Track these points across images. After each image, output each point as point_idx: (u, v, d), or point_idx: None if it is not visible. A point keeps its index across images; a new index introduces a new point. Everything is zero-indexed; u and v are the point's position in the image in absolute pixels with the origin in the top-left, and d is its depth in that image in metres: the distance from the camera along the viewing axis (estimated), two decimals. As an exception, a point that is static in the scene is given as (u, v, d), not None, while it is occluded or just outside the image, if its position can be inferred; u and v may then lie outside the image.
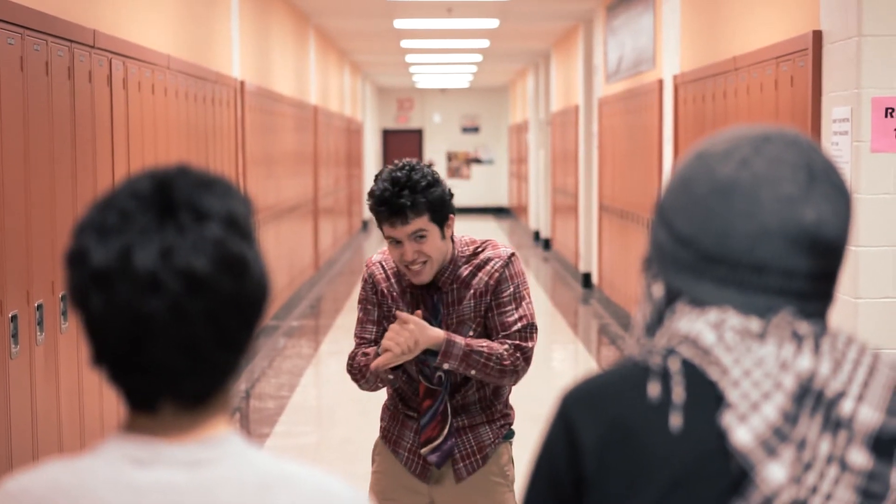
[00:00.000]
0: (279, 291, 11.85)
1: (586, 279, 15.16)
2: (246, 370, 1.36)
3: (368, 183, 27.31)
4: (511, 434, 3.73)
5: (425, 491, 3.66)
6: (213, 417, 1.39)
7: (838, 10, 5.69)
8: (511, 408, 3.75)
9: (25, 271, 4.93)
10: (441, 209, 3.54)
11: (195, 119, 8.30)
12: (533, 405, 7.87)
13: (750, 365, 1.43)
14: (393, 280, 3.68)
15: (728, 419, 1.41)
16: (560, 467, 1.48)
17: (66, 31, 5.47)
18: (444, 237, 3.56)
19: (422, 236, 3.52)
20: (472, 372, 3.49)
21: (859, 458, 1.41)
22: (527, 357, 3.56)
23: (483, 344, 3.51)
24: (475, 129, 33.22)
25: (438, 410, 3.62)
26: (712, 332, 1.45)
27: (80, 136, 5.65)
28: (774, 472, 1.39)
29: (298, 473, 1.39)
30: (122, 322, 1.32)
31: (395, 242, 3.54)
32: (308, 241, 15.15)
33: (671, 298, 1.51)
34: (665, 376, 1.46)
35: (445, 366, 3.47)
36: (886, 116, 5.43)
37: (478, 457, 3.65)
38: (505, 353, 3.52)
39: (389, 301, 3.68)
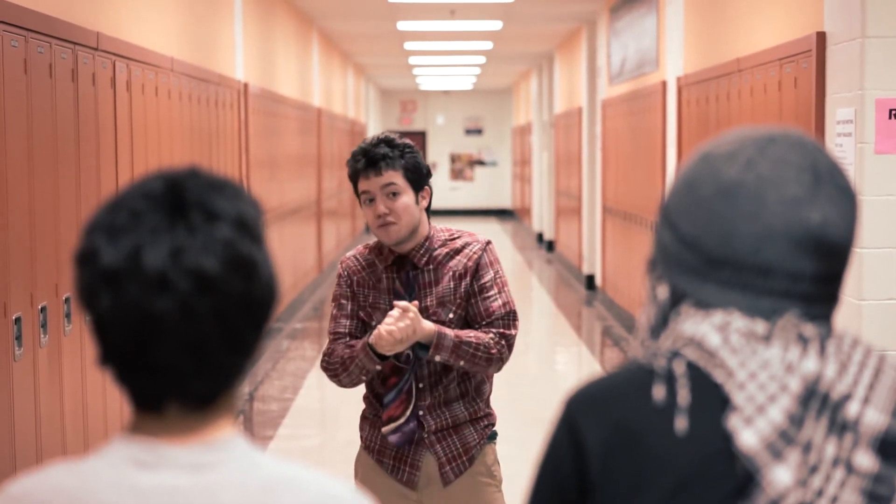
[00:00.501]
0: (283, 293, 11.84)
1: (590, 281, 15.15)
2: (250, 372, 1.36)
3: (372, 185, 27.30)
4: (494, 435, 3.73)
5: (415, 497, 3.62)
6: (219, 420, 1.39)
7: (842, 11, 5.68)
8: (491, 408, 3.75)
9: (29, 273, 4.93)
10: (416, 173, 3.62)
11: (199, 121, 8.30)
12: (536, 408, 7.87)
13: (755, 367, 1.42)
14: (368, 270, 3.70)
15: (733, 422, 1.41)
16: (564, 470, 1.48)
17: (69, 34, 5.47)
18: (417, 203, 3.62)
19: (395, 193, 3.59)
20: (462, 363, 3.52)
21: (865, 460, 1.40)
22: (510, 345, 3.60)
23: (471, 335, 3.54)
24: (478, 131, 33.22)
25: (403, 389, 3.60)
26: (717, 334, 1.44)
27: (84, 139, 5.65)
28: (780, 475, 1.39)
29: (302, 476, 1.39)
30: (131, 321, 1.33)
31: (369, 201, 3.61)
32: (311, 244, 15.15)
33: (676, 300, 1.50)
34: (670, 379, 1.45)
35: (437, 358, 3.50)
36: (890, 118, 5.43)
37: (464, 458, 3.62)
38: (491, 341, 3.55)
39: (366, 290, 3.68)
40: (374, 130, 28.75)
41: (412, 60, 22.33)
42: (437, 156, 33.26)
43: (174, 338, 1.33)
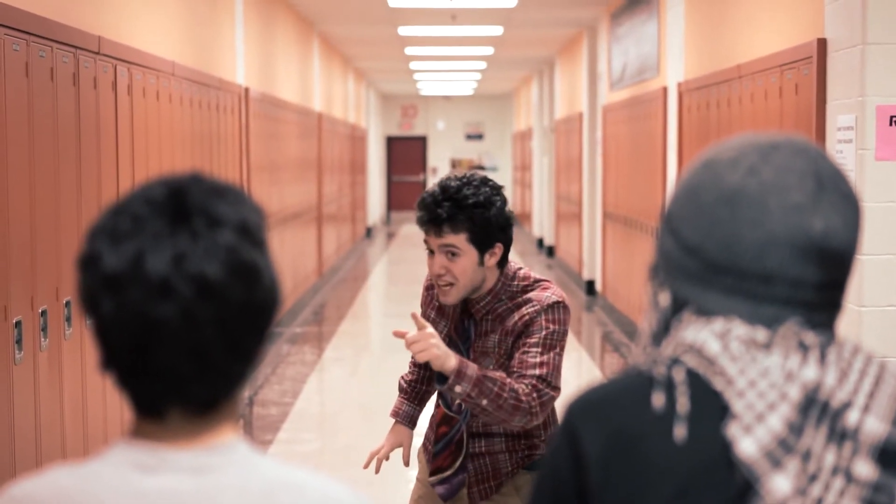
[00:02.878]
0: (283, 298, 11.83)
1: (590, 287, 15.15)
2: (252, 376, 1.36)
3: (372, 189, 27.37)
4: (540, 465, 3.55)
5: None
6: (221, 424, 1.40)
7: (843, 18, 5.69)
8: (544, 441, 3.53)
9: (30, 277, 4.93)
10: (484, 234, 3.34)
11: (199, 125, 8.30)
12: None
13: (755, 375, 1.42)
14: (435, 302, 3.60)
15: (733, 430, 1.40)
16: (564, 477, 1.48)
17: (71, 38, 5.48)
18: (481, 263, 3.36)
19: (453, 254, 3.34)
20: (484, 402, 3.20)
21: (865, 469, 1.40)
22: (543, 402, 3.28)
23: (497, 374, 3.25)
24: (479, 137, 33.23)
25: (453, 440, 3.49)
26: (717, 341, 1.44)
27: (85, 143, 5.66)
28: (779, 484, 1.39)
29: (304, 480, 1.39)
30: (133, 326, 1.33)
31: (430, 252, 3.40)
32: (312, 248, 15.15)
33: (678, 307, 1.50)
34: (670, 386, 1.45)
35: (458, 389, 3.17)
36: (891, 124, 5.43)
37: (491, 483, 3.50)
38: (521, 389, 3.25)
39: (430, 310, 3.60)
40: (374, 135, 28.76)
41: (413, 65, 22.33)
42: (437, 161, 33.26)
43: (176, 343, 1.33)
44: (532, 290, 3.42)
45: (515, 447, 3.51)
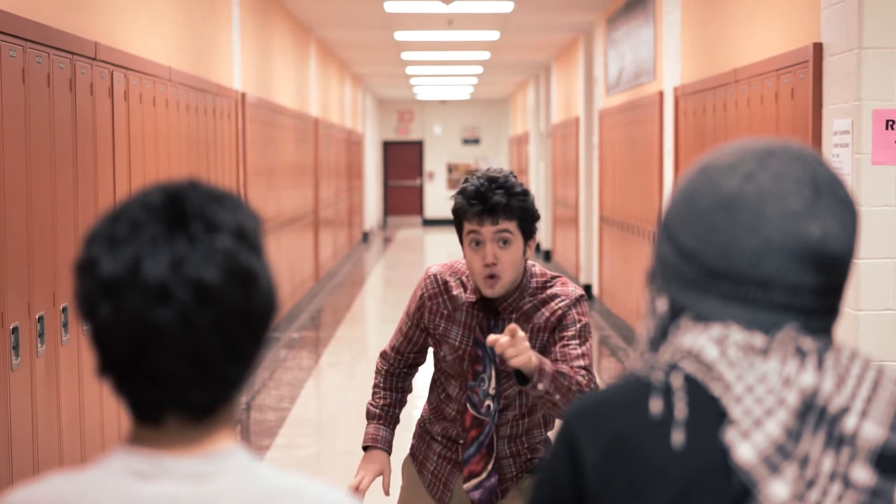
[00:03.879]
0: (280, 303, 11.83)
1: (587, 291, 15.17)
2: (249, 382, 1.35)
3: (369, 194, 27.37)
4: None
5: None
6: (218, 431, 1.39)
7: (839, 22, 5.69)
8: (544, 443, 3.57)
9: (26, 283, 4.93)
10: (529, 221, 3.42)
11: (196, 131, 8.30)
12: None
13: (753, 381, 1.42)
14: (446, 296, 3.54)
15: (730, 436, 1.40)
16: (562, 483, 1.48)
17: (67, 44, 5.48)
18: (524, 254, 3.42)
19: (506, 241, 3.37)
20: (557, 396, 3.17)
21: (862, 474, 1.40)
22: (594, 390, 3.26)
23: (564, 368, 3.25)
24: (476, 141, 33.24)
25: (484, 443, 3.47)
26: (715, 347, 1.44)
27: (82, 148, 5.66)
28: (777, 490, 1.39)
29: (302, 487, 1.39)
30: (130, 331, 1.33)
31: (475, 244, 3.39)
32: (308, 253, 15.15)
33: (675, 313, 1.50)
34: (667, 392, 1.45)
35: (540, 386, 3.13)
36: (887, 129, 5.44)
37: (497, 488, 3.50)
38: (582, 381, 3.26)
39: (438, 318, 3.54)
40: (371, 140, 28.78)
41: (409, 70, 22.35)
42: (434, 165, 33.27)
43: (174, 348, 1.33)
44: (552, 285, 3.48)
45: (519, 451, 3.52)
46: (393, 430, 3.72)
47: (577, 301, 3.44)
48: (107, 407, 5.84)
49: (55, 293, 5.24)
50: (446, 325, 3.52)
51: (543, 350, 3.41)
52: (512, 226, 3.39)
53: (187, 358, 1.34)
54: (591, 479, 1.45)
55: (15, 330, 4.76)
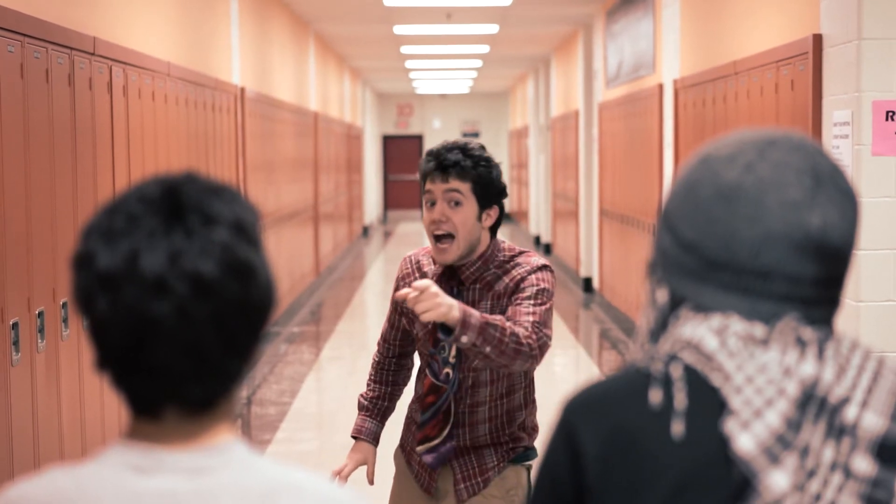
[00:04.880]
0: (280, 297, 11.84)
1: (587, 284, 15.15)
2: (248, 376, 1.35)
3: (369, 188, 27.36)
4: (525, 457, 3.55)
5: None
6: (217, 424, 1.39)
7: (838, 13, 5.69)
8: (527, 430, 3.58)
9: (26, 278, 4.93)
10: (485, 188, 3.43)
11: (195, 126, 8.30)
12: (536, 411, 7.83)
13: (753, 371, 1.42)
14: (417, 274, 3.60)
15: (730, 426, 1.40)
16: (562, 475, 1.47)
17: (66, 39, 5.47)
18: (479, 219, 3.44)
19: (457, 202, 3.41)
20: (488, 349, 3.17)
21: (863, 464, 1.40)
22: (541, 345, 3.29)
23: (498, 318, 3.23)
24: (475, 135, 33.23)
25: (441, 409, 3.50)
26: (715, 337, 1.44)
27: (81, 144, 5.65)
28: (777, 480, 1.38)
29: (302, 481, 1.39)
30: (128, 324, 1.32)
31: (430, 204, 3.45)
32: (308, 247, 15.15)
33: (675, 304, 1.50)
34: (667, 383, 1.45)
35: (464, 339, 3.14)
36: (887, 120, 5.43)
37: (478, 479, 3.51)
38: (521, 332, 3.25)
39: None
40: (370, 134, 28.77)
41: (409, 64, 22.33)
42: (433, 159, 33.20)
43: (172, 341, 1.33)
44: (518, 257, 3.50)
45: (499, 439, 3.52)
46: (380, 421, 3.75)
47: (539, 269, 3.45)
48: (107, 402, 5.84)
49: (55, 288, 5.23)
50: None
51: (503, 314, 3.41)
52: (464, 187, 3.42)
53: (185, 351, 1.33)
54: (590, 471, 1.45)
55: (15, 325, 4.75)
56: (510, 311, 3.38)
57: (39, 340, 5.02)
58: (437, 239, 3.45)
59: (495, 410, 3.52)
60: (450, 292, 3.48)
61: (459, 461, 3.54)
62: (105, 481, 1.35)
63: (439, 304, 3.12)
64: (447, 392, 3.49)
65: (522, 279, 3.43)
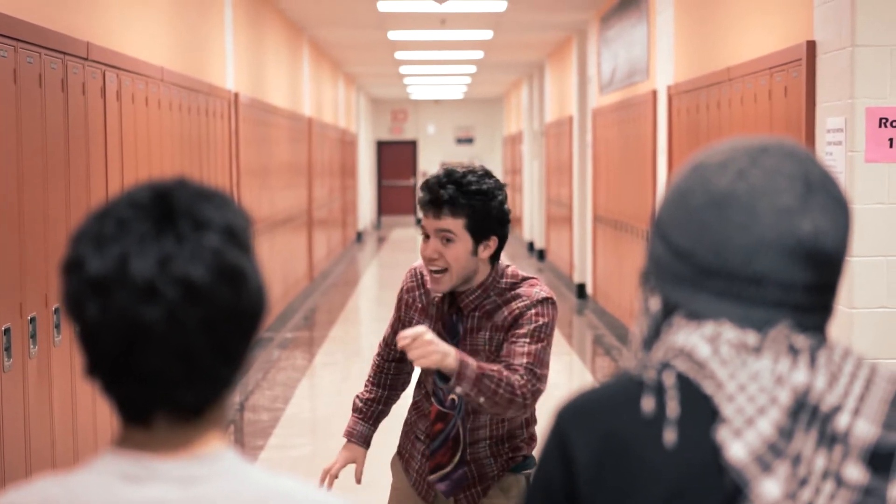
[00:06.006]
0: (273, 303, 11.83)
1: (581, 290, 15.16)
2: (240, 382, 1.35)
3: (363, 194, 27.37)
4: (525, 465, 3.53)
5: None
6: (208, 432, 1.38)
7: (832, 20, 5.69)
8: (526, 440, 3.55)
9: (18, 284, 4.92)
10: (481, 222, 3.35)
11: (189, 131, 8.29)
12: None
13: (745, 379, 1.42)
14: (422, 291, 3.56)
15: (723, 434, 1.40)
16: (555, 482, 1.47)
17: (59, 44, 5.46)
18: (475, 253, 3.37)
19: (449, 239, 3.35)
20: (482, 399, 3.17)
21: (855, 473, 1.40)
22: (534, 392, 3.27)
23: (494, 368, 3.21)
24: (469, 140, 33.24)
25: (450, 436, 3.47)
26: (707, 345, 1.44)
27: (74, 149, 5.64)
28: (769, 488, 1.38)
29: (294, 489, 1.38)
30: (118, 330, 1.32)
31: (425, 237, 3.41)
32: (302, 253, 15.14)
33: (668, 312, 1.50)
34: (659, 390, 1.45)
35: (458, 390, 3.13)
36: (880, 126, 5.44)
37: (478, 488, 3.50)
38: (517, 381, 3.23)
39: (413, 311, 3.57)
40: (365, 140, 28.78)
41: (403, 70, 22.34)
42: (427, 165, 33.25)
43: (162, 346, 1.32)
44: (520, 286, 3.44)
45: (500, 451, 3.51)
46: (372, 424, 3.74)
47: (539, 302, 3.38)
48: (99, 408, 5.83)
49: (47, 294, 5.22)
50: (419, 319, 3.55)
51: (497, 349, 3.39)
52: (455, 224, 3.35)
53: (176, 357, 1.33)
54: (583, 478, 1.44)
55: (7, 331, 4.74)
56: (506, 348, 3.34)
57: (31, 346, 5.01)
58: (432, 271, 3.41)
59: (498, 430, 3.50)
60: (450, 320, 3.47)
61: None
62: (95, 490, 1.35)
63: (433, 352, 3.09)
64: (454, 418, 3.47)
65: (521, 314, 3.37)
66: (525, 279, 3.47)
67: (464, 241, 3.36)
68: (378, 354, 3.80)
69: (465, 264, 3.38)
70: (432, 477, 3.50)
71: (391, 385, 3.78)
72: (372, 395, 3.76)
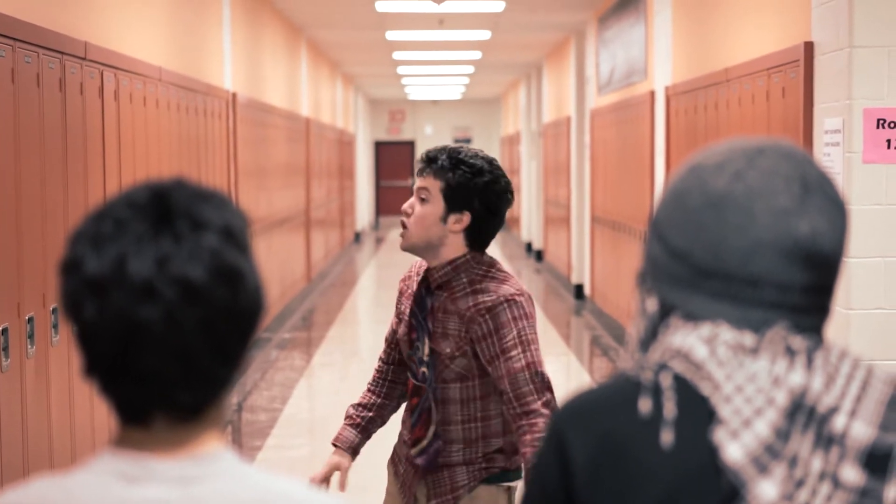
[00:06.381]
0: (271, 303, 11.83)
1: (578, 291, 15.16)
2: (238, 383, 1.35)
3: (360, 194, 27.35)
4: (505, 477, 3.49)
5: None
6: (206, 432, 1.38)
7: (830, 21, 5.70)
8: (505, 452, 3.49)
9: (16, 284, 4.91)
10: (459, 192, 3.39)
11: (187, 131, 8.29)
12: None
13: (742, 380, 1.42)
14: (415, 279, 3.60)
15: (719, 435, 1.40)
16: (552, 483, 1.47)
17: (57, 43, 5.46)
18: (444, 220, 3.41)
19: (423, 198, 3.44)
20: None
21: (852, 474, 1.40)
22: (546, 401, 3.30)
23: (529, 439, 3.27)
24: (467, 141, 33.24)
25: (424, 408, 3.48)
26: (704, 346, 1.44)
27: (72, 149, 5.64)
28: (766, 490, 1.38)
29: (292, 491, 1.38)
30: (116, 330, 1.32)
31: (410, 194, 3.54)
32: (300, 253, 15.14)
33: (665, 313, 1.50)
34: (656, 392, 1.45)
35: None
36: (878, 127, 5.44)
37: (449, 497, 3.48)
38: (541, 423, 3.26)
39: (403, 299, 3.62)
40: (363, 140, 28.77)
41: (401, 70, 22.34)
42: (425, 165, 33.22)
43: (159, 346, 1.32)
44: (493, 279, 3.43)
45: (473, 459, 3.48)
46: (360, 431, 3.73)
47: (506, 304, 3.36)
48: (97, 408, 5.83)
49: (45, 294, 5.22)
50: (404, 301, 3.60)
51: (470, 342, 3.38)
52: (433, 185, 3.42)
53: (173, 357, 1.33)
54: (579, 479, 1.45)
55: (4, 331, 4.74)
56: (503, 369, 3.33)
57: (29, 346, 5.00)
58: (402, 225, 3.50)
59: (470, 433, 3.47)
60: (419, 294, 3.50)
61: (433, 477, 3.50)
62: (93, 490, 1.35)
63: None
64: (427, 391, 3.47)
65: (487, 310, 3.36)
66: (501, 273, 3.46)
67: (436, 204, 3.42)
68: (381, 358, 3.79)
69: (429, 227, 3.43)
70: (413, 451, 3.50)
71: (388, 394, 3.75)
72: (364, 401, 3.75)
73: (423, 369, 3.47)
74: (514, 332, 3.34)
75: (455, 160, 3.42)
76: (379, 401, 3.75)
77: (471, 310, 3.39)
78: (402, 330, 3.58)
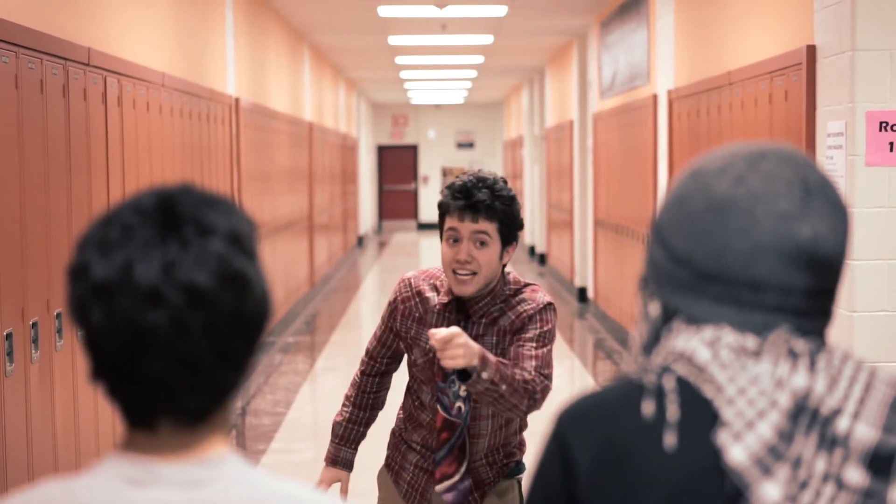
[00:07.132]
0: (275, 307, 11.82)
1: (582, 294, 15.15)
2: (242, 388, 1.35)
3: (363, 199, 27.36)
4: (517, 471, 3.57)
5: None
6: (212, 436, 1.39)
7: (832, 24, 5.70)
8: (518, 447, 3.59)
9: (20, 289, 4.92)
10: (511, 226, 3.42)
11: (190, 136, 8.30)
12: (529, 421, 7.82)
13: (745, 383, 1.42)
14: (418, 299, 3.55)
15: (723, 438, 1.40)
16: (554, 486, 1.47)
17: (60, 50, 5.47)
18: (500, 258, 3.42)
19: (483, 242, 3.39)
20: (504, 386, 3.19)
21: (855, 476, 1.40)
22: (543, 388, 3.32)
23: (506, 361, 3.30)
24: (470, 145, 33.24)
25: (455, 445, 3.46)
26: (707, 349, 1.44)
27: (75, 154, 5.65)
28: (769, 492, 1.38)
29: (298, 494, 1.39)
30: (123, 335, 1.32)
31: (453, 241, 3.42)
32: (303, 258, 15.14)
33: (668, 317, 1.50)
34: (659, 394, 1.45)
35: (484, 374, 3.14)
36: (881, 130, 5.44)
37: (475, 495, 3.51)
38: (526, 375, 3.28)
39: (410, 321, 3.55)
40: (365, 145, 28.79)
41: (403, 74, 22.35)
42: (428, 170, 33.26)
43: (166, 351, 1.33)
44: (523, 292, 3.48)
45: (494, 459, 3.53)
46: (354, 448, 3.74)
47: (544, 308, 3.44)
48: (102, 413, 5.83)
49: (49, 299, 5.23)
50: (417, 328, 3.54)
51: (504, 353, 3.42)
52: (491, 228, 3.39)
53: (180, 362, 1.33)
54: (583, 482, 1.45)
55: (9, 336, 4.75)
56: (513, 351, 3.38)
57: (33, 351, 5.01)
58: (461, 274, 3.42)
59: (495, 439, 3.52)
60: (457, 325, 3.45)
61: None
62: (99, 493, 1.35)
63: (462, 356, 3.11)
64: (461, 427, 3.46)
65: (529, 317, 3.42)
66: (527, 285, 3.51)
67: (495, 244, 3.41)
68: (361, 371, 3.76)
69: (495, 268, 3.42)
70: (439, 487, 3.48)
71: (372, 406, 3.75)
72: (352, 417, 3.73)
73: (459, 404, 3.44)
74: (536, 332, 3.41)
75: (500, 196, 3.41)
76: (366, 414, 3.75)
77: (515, 322, 3.43)
78: (417, 355, 3.54)
